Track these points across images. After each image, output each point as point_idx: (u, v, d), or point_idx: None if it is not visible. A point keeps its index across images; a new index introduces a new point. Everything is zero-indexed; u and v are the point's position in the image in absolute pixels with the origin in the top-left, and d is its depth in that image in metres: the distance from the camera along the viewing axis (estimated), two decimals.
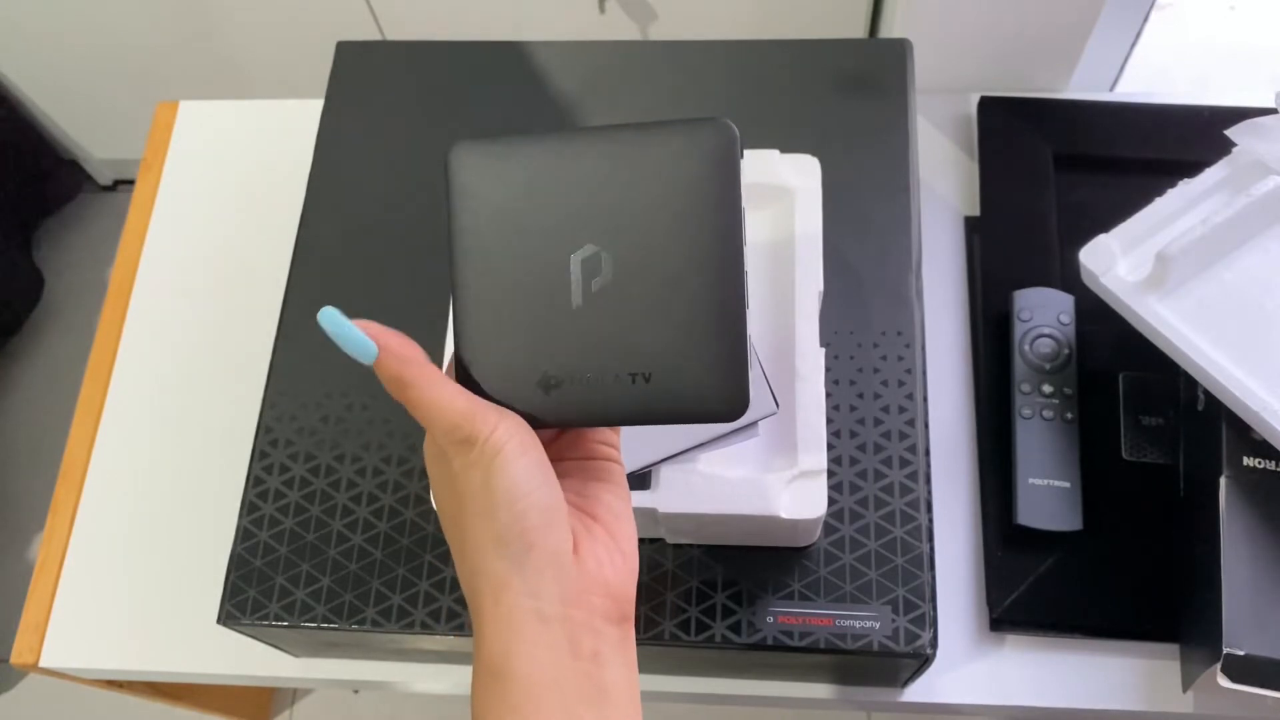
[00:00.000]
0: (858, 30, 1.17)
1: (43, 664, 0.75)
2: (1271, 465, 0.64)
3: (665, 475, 0.58)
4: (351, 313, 0.70)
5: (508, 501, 0.39)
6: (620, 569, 0.42)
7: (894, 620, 0.60)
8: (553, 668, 0.39)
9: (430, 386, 0.40)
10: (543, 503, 0.39)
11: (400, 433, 0.67)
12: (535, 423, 0.41)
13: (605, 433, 0.45)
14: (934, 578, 0.61)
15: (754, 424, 0.54)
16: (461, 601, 0.62)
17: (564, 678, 0.39)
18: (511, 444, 0.39)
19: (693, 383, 0.40)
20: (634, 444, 0.52)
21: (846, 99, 0.73)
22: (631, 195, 0.39)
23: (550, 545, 0.40)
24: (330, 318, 0.40)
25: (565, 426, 0.43)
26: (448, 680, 0.75)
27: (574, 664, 0.39)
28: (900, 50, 0.75)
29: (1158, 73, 0.91)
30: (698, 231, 0.39)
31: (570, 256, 0.40)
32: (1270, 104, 0.72)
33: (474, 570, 0.40)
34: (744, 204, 0.39)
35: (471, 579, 0.40)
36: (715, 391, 0.39)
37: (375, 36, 1.35)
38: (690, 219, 0.39)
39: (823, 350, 0.60)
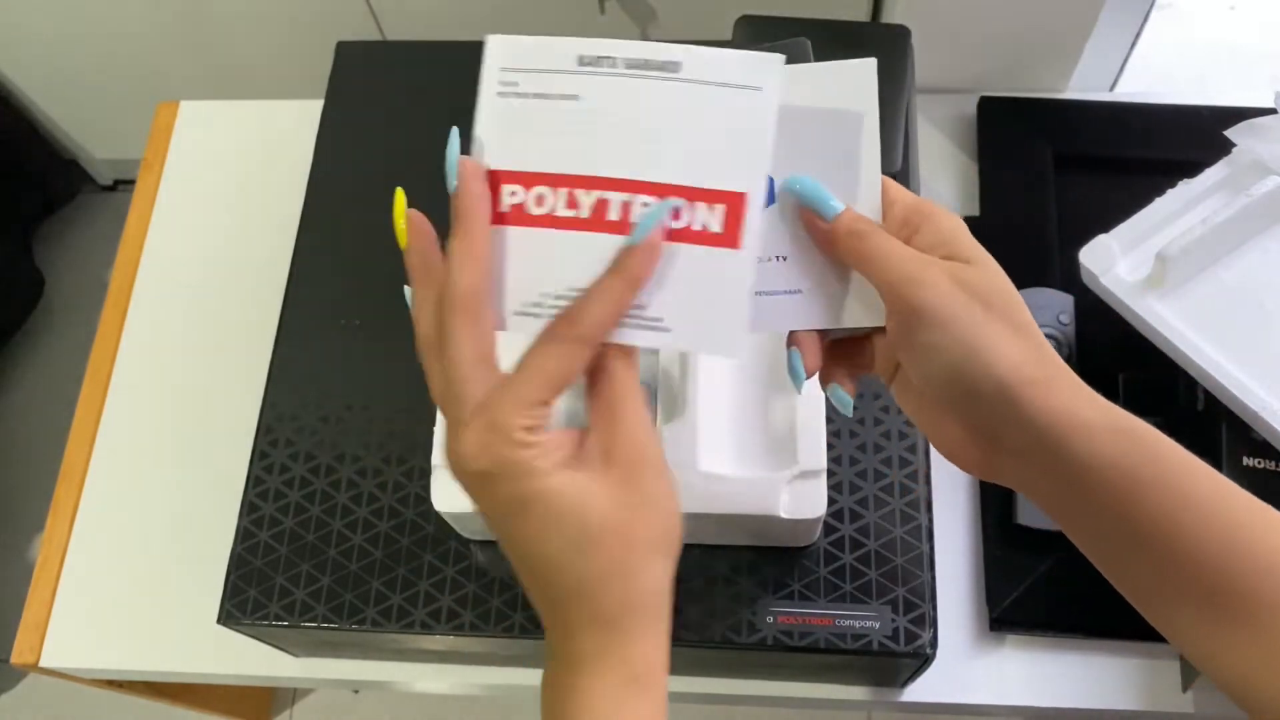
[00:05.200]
0: None
1: (43, 664, 0.75)
2: (1271, 465, 0.64)
3: None
4: (352, 314, 0.70)
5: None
6: None
7: (894, 620, 0.60)
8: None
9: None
10: None
11: (400, 433, 0.67)
12: None
13: None
14: (934, 578, 0.61)
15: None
16: (461, 601, 0.62)
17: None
18: None
19: None
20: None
21: None
22: None
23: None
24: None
25: None
26: (448, 680, 0.75)
27: None
28: (899, 37, 0.74)
29: (1158, 73, 0.91)
30: None
31: None
32: (1270, 104, 0.72)
33: (649, 582, 0.38)
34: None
35: (643, 585, 0.38)
36: None
37: (375, 36, 1.35)
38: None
39: None
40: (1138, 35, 0.87)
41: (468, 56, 0.80)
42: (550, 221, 0.39)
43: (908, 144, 0.72)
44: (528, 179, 0.39)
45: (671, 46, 0.39)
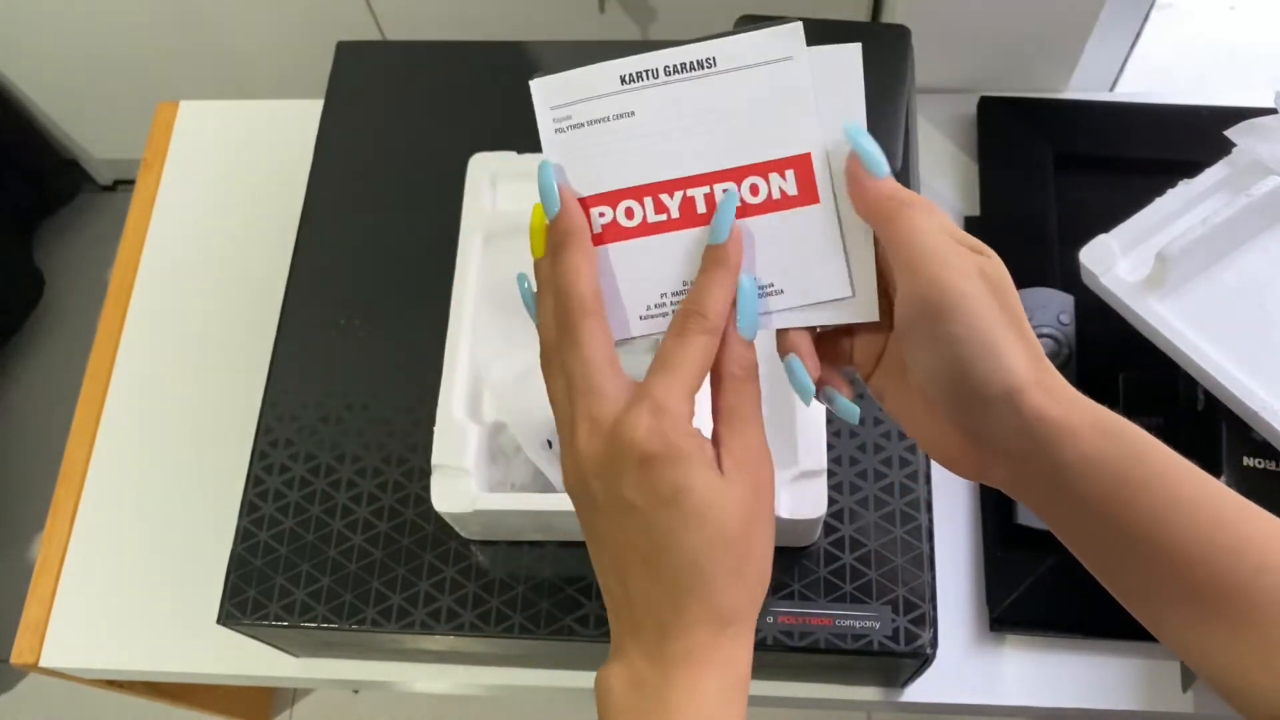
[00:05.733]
0: None
1: (43, 664, 0.75)
2: (1271, 465, 0.64)
3: None
4: (352, 314, 0.71)
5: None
6: None
7: (894, 620, 0.60)
8: None
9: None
10: None
11: (400, 433, 0.67)
12: None
13: None
14: (934, 578, 0.61)
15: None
16: (461, 601, 0.62)
17: None
18: None
19: None
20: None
21: None
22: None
23: None
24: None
25: None
26: (448, 680, 0.75)
27: None
28: (899, 37, 0.74)
29: (1158, 73, 0.91)
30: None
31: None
32: (1270, 104, 0.72)
33: (760, 590, 0.39)
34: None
35: (755, 592, 0.39)
36: None
37: (375, 36, 1.35)
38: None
39: None
40: (1138, 35, 0.87)
41: (468, 56, 0.81)
42: (646, 230, 0.42)
43: (908, 144, 0.72)
44: (611, 198, 0.41)
45: (698, 45, 0.41)
